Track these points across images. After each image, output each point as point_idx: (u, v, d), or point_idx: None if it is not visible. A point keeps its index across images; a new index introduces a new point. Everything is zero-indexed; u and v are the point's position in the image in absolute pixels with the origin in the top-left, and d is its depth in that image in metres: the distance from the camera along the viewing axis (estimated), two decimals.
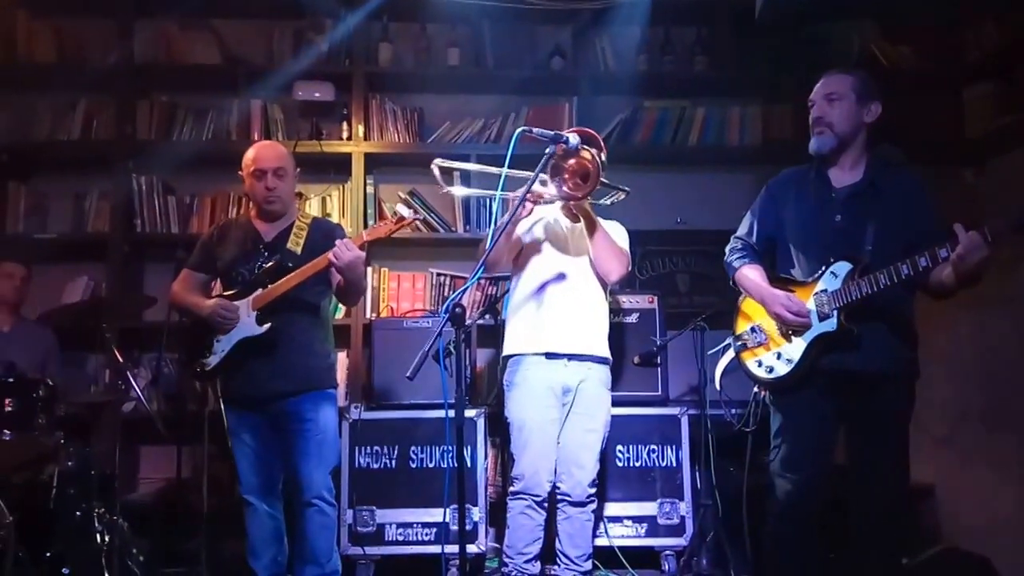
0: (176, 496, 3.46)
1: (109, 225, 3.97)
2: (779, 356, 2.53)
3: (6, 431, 2.84)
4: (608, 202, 3.04)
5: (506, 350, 3.03)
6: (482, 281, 3.97)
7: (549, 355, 2.92)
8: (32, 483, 2.93)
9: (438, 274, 4.12)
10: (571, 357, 2.93)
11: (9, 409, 2.86)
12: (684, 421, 3.51)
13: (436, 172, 2.81)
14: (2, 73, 4.03)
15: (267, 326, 2.85)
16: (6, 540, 2.58)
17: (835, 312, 2.43)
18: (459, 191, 2.51)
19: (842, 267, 2.45)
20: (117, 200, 3.96)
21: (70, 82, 3.96)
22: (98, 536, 2.92)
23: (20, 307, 3.54)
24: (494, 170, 2.58)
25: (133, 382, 3.22)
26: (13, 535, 2.61)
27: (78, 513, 2.98)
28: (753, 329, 2.61)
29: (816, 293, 2.48)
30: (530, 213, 2.90)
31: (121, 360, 3.18)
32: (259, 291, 2.89)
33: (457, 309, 2.29)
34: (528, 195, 2.61)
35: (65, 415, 3.06)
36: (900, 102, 2.79)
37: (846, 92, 2.50)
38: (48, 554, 2.82)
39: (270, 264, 2.92)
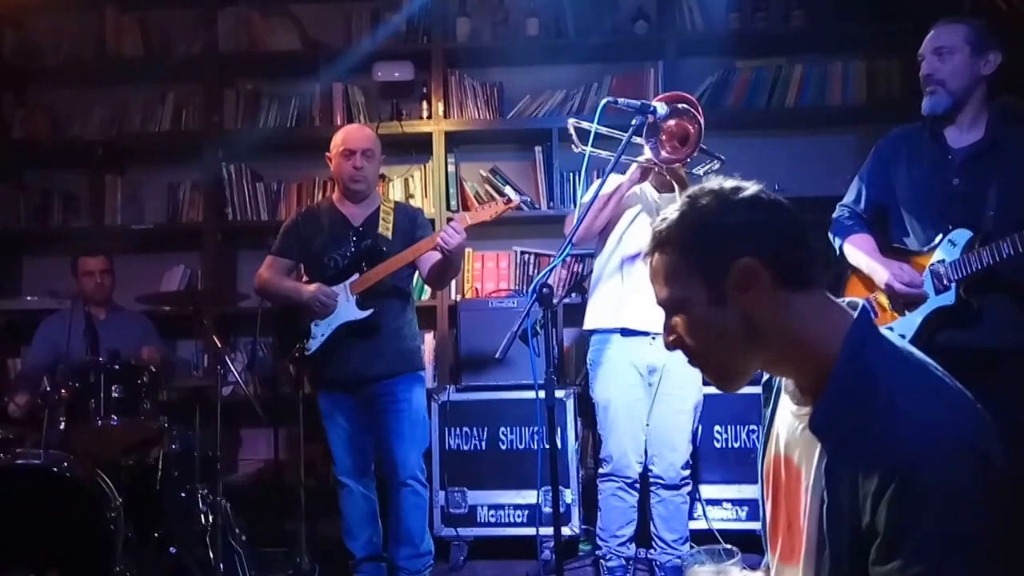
0: (274, 477, 3.55)
1: (202, 214, 4.07)
2: (891, 331, 2.34)
3: (114, 416, 2.94)
4: (702, 171, 2.89)
5: (586, 324, 2.97)
6: (568, 259, 3.88)
7: (626, 331, 2.83)
8: (139, 466, 3.04)
9: (522, 252, 4.05)
10: (655, 335, 2.82)
11: (116, 395, 2.95)
12: None
13: (571, 131, 2.69)
14: (94, 69, 4.16)
15: (370, 311, 2.87)
16: (116, 521, 2.68)
17: (953, 284, 2.24)
18: (592, 150, 2.43)
19: (961, 235, 2.25)
20: (208, 189, 4.06)
21: (158, 74, 4.06)
22: (202, 516, 3.01)
23: (111, 297, 3.63)
24: (618, 134, 2.47)
25: (231, 366, 3.29)
26: (122, 516, 2.71)
27: (183, 494, 3.08)
28: (862, 302, 2.43)
29: (933, 264, 2.29)
30: (639, 181, 2.79)
31: (219, 346, 3.26)
32: (356, 276, 2.91)
33: (544, 289, 2.24)
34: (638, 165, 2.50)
35: (168, 400, 3.15)
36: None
37: (958, 44, 2.27)
38: (156, 534, 2.92)
39: (365, 248, 2.92)
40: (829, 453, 1.04)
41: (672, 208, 1.13)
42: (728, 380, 1.15)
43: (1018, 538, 0.94)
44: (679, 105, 2.57)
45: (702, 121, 2.57)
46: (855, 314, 1.08)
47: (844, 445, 1.02)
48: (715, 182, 1.12)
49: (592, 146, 2.47)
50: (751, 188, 1.10)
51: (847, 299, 1.11)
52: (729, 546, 1.22)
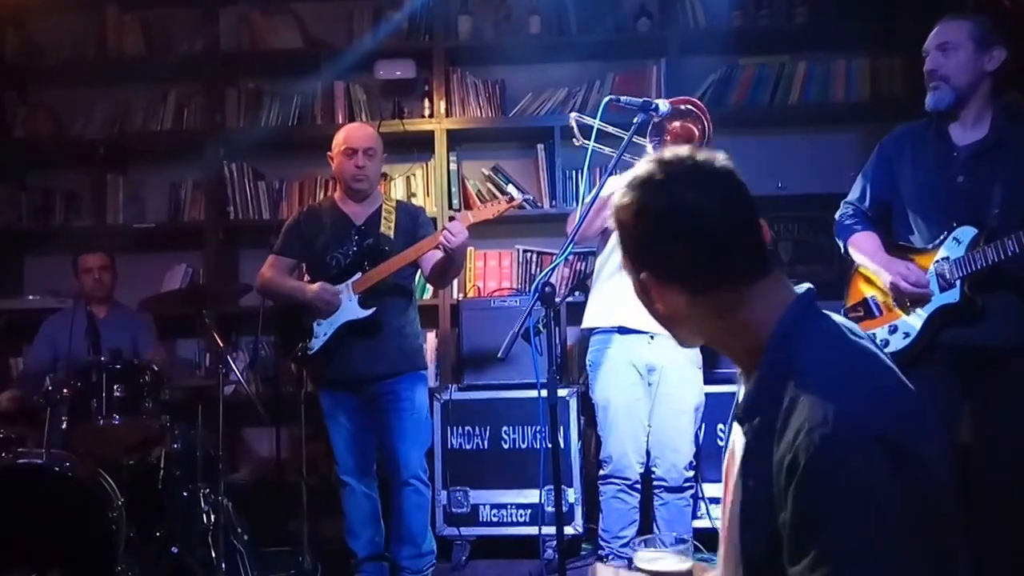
0: (276, 476, 3.54)
1: (204, 213, 4.06)
2: (895, 329, 2.34)
3: (116, 416, 2.93)
4: None
5: (584, 323, 2.96)
6: (571, 257, 3.87)
7: (623, 330, 2.82)
8: (141, 465, 3.04)
9: (525, 251, 4.03)
10: (654, 335, 2.81)
11: (118, 395, 2.95)
12: None
13: (573, 125, 2.68)
14: (95, 68, 4.16)
15: (372, 309, 2.86)
16: (118, 521, 2.68)
17: (958, 282, 2.23)
18: (595, 145, 2.41)
19: (966, 233, 2.24)
20: (210, 188, 4.05)
21: (160, 73, 4.06)
22: (204, 516, 3.00)
23: (110, 295, 3.62)
24: (621, 133, 2.46)
25: (232, 365, 3.28)
26: (124, 516, 2.71)
27: (185, 493, 3.08)
28: (867, 301, 2.43)
29: (937, 261, 2.28)
30: None
31: (221, 345, 3.25)
32: (358, 275, 2.90)
33: (547, 288, 2.22)
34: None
35: (170, 399, 3.15)
36: None
37: (962, 40, 2.26)
38: (158, 534, 2.92)
39: (367, 247, 2.91)
40: (746, 443, 1.01)
41: (628, 185, 1.08)
42: (673, 338, 1.15)
43: (939, 539, 0.89)
44: (683, 107, 2.57)
45: (707, 124, 2.56)
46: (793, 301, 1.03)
47: (761, 434, 0.98)
48: (664, 164, 1.05)
49: (595, 144, 2.46)
50: (680, 189, 1.03)
51: (803, 285, 1.06)
52: (684, 536, 1.22)
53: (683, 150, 1.07)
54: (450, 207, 3.92)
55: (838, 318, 1.05)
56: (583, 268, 3.96)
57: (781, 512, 0.92)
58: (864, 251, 2.43)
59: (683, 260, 1.03)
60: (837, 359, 0.96)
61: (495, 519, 3.38)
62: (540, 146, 4.02)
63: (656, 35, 3.97)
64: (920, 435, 0.91)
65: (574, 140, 2.65)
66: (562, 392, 3.33)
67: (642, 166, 1.07)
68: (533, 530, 3.27)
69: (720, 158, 1.06)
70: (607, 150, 2.57)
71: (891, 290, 2.33)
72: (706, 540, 3.21)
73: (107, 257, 3.58)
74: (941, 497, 0.90)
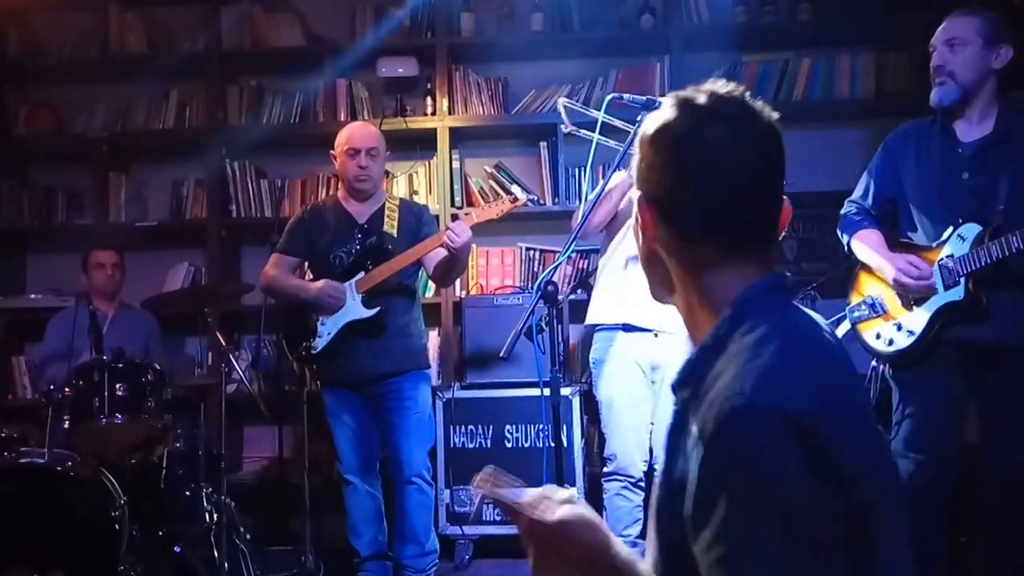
0: (278, 475, 3.54)
1: (206, 211, 4.06)
2: (900, 327, 2.33)
3: (118, 415, 2.93)
4: None
5: (588, 319, 2.94)
6: (574, 255, 3.86)
7: (628, 327, 2.80)
8: (143, 464, 3.04)
9: (527, 248, 4.02)
10: (658, 333, 2.79)
11: (120, 394, 2.94)
12: None
13: (562, 111, 2.66)
14: (98, 66, 4.16)
15: (376, 309, 2.86)
16: (120, 520, 2.68)
17: (962, 279, 2.22)
18: (599, 137, 2.37)
19: (970, 229, 2.23)
20: (212, 186, 4.04)
21: (162, 71, 4.04)
22: (207, 515, 3.01)
23: (118, 293, 3.63)
24: (624, 125, 2.44)
25: (235, 364, 3.28)
26: (126, 515, 2.71)
27: (187, 493, 3.08)
28: (871, 298, 2.42)
29: (941, 259, 2.26)
30: None
31: (223, 343, 3.25)
32: (362, 274, 2.89)
33: (549, 287, 2.23)
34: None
35: (172, 398, 3.14)
36: None
37: (971, 36, 2.24)
38: (160, 533, 2.92)
39: (370, 246, 2.91)
40: (674, 414, 0.97)
41: (672, 97, 1.03)
42: (648, 286, 1.11)
43: (853, 543, 0.83)
44: None
45: None
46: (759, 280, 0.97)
47: (687, 406, 0.94)
48: (711, 93, 0.98)
49: (599, 136, 2.45)
50: (713, 121, 0.96)
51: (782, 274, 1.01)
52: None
53: (738, 88, 1.00)
54: (452, 205, 3.91)
55: (811, 312, 1.00)
56: (586, 266, 3.95)
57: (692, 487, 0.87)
58: (868, 248, 2.41)
59: (681, 196, 0.97)
60: (780, 340, 0.89)
61: (498, 518, 3.37)
62: (543, 144, 4.01)
63: (659, 32, 3.95)
64: (847, 429, 0.85)
65: (562, 127, 2.64)
66: (565, 390, 3.32)
67: (693, 90, 1.00)
68: None
69: (770, 112, 0.99)
70: (612, 143, 2.56)
71: (895, 286, 2.32)
72: None
73: (118, 255, 3.60)
74: (860, 497, 0.84)
